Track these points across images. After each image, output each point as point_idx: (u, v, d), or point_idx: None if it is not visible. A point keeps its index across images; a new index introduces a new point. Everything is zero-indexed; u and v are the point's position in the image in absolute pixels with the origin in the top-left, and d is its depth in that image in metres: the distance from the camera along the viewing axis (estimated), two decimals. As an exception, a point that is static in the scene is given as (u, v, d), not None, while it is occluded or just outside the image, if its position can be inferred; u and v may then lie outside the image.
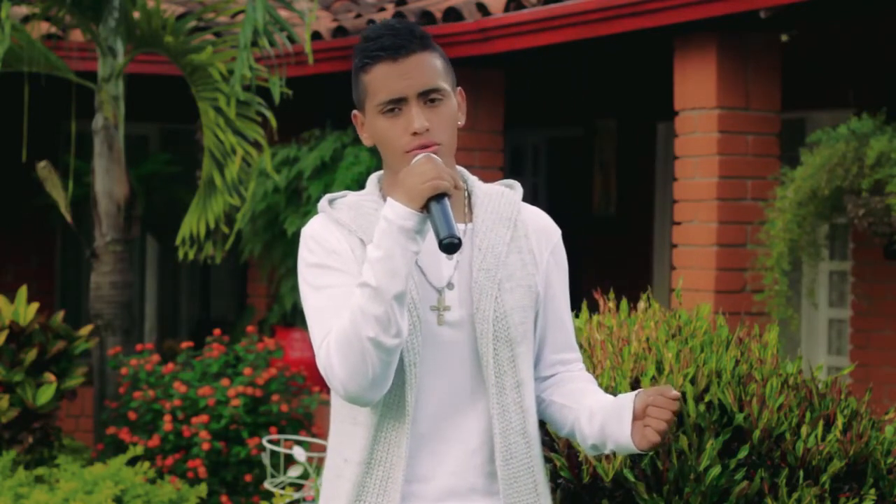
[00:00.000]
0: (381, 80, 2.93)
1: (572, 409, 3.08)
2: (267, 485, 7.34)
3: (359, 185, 9.13)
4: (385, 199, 3.00)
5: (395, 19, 3.01)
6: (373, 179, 3.09)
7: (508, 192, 3.10)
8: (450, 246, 2.80)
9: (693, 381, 4.02)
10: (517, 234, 3.05)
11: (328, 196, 3.07)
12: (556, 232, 3.12)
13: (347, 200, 3.04)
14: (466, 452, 2.96)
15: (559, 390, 3.12)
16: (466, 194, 3.07)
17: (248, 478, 8.22)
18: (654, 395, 2.94)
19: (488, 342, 2.95)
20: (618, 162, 10.30)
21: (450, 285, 2.97)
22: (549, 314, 3.09)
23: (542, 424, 3.23)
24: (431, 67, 2.96)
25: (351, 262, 2.93)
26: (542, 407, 3.14)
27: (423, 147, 2.92)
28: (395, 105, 2.93)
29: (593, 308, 4.48)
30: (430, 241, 2.90)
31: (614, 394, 4.09)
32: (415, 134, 2.92)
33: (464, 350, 2.96)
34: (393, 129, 2.94)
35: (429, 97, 2.94)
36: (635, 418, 2.96)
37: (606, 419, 3.00)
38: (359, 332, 2.81)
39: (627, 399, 2.99)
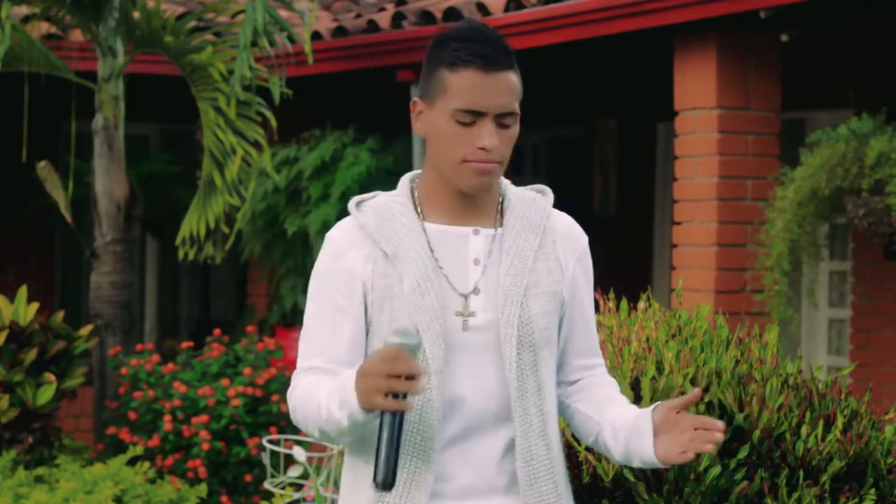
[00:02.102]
0: (468, 87, 2.92)
1: (597, 421, 3.11)
2: (267, 485, 7.34)
3: (359, 184, 9.13)
4: (415, 202, 3.03)
5: (483, 24, 2.98)
6: (405, 180, 3.11)
7: (539, 199, 3.12)
8: (382, 486, 2.80)
9: (693, 381, 4.02)
10: (545, 241, 3.07)
11: (357, 198, 3.08)
12: (582, 239, 3.14)
13: (375, 203, 3.05)
14: (489, 453, 2.99)
15: (584, 399, 3.14)
16: (499, 199, 3.08)
17: (248, 478, 8.21)
18: (679, 409, 2.96)
19: (512, 347, 2.98)
20: (618, 162, 10.29)
21: (476, 290, 3.00)
22: (574, 320, 3.11)
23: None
24: (515, 89, 2.96)
25: (352, 294, 2.97)
26: (567, 413, 3.17)
27: (485, 163, 2.93)
28: (474, 117, 2.93)
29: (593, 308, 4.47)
30: (456, 249, 2.98)
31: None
32: (482, 149, 2.92)
33: (489, 354, 2.99)
34: (461, 136, 2.93)
35: (504, 119, 2.95)
36: (655, 433, 2.98)
37: (629, 435, 3.03)
38: (308, 421, 2.94)
39: (646, 414, 3.01)
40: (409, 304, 2.95)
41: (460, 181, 2.97)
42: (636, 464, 3.04)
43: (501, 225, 3.05)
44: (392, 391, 2.73)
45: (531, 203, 3.09)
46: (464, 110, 2.92)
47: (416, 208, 3.03)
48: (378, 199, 3.06)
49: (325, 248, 3.03)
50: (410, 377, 2.73)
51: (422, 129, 3.01)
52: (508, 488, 3.01)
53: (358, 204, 3.06)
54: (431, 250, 2.99)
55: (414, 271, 2.96)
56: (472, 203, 3.02)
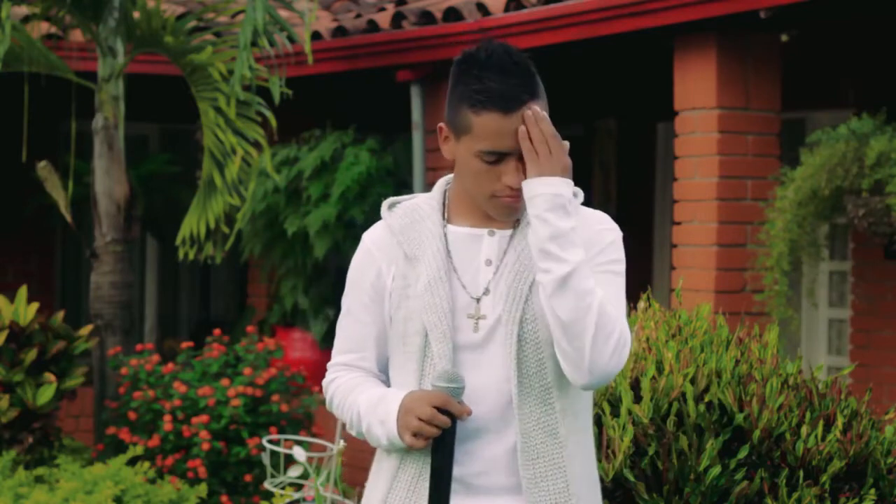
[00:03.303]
0: (489, 130, 2.94)
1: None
2: (267, 485, 7.33)
3: (359, 184, 9.12)
4: (444, 205, 3.09)
5: (503, 49, 2.96)
6: (440, 183, 3.16)
7: None
8: None
9: (693, 381, 4.02)
10: None
11: (391, 199, 3.16)
12: (601, 240, 3.06)
13: (409, 204, 3.13)
14: (496, 451, 3.02)
15: None
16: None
17: (248, 478, 8.22)
18: None
19: (513, 344, 3.00)
20: (618, 162, 10.29)
21: (486, 291, 3.04)
22: None
23: None
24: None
25: (376, 294, 3.09)
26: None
27: (512, 198, 2.97)
28: (499, 157, 2.96)
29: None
30: (471, 251, 3.03)
31: (614, 394, 4.10)
32: (508, 186, 2.96)
33: (497, 352, 3.02)
34: (487, 173, 2.97)
35: None
36: None
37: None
38: (344, 418, 3.14)
39: None
40: (420, 303, 3.02)
41: (490, 211, 3.03)
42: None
43: (518, 225, 3.07)
44: (419, 433, 2.93)
45: None
46: (487, 152, 2.95)
47: (443, 212, 3.09)
48: (415, 199, 3.14)
49: (359, 248, 3.15)
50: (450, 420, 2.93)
51: (448, 154, 3.06)
52: (516, 486, 3.02)
53: (391, 205, 3.14)
54: (449, 253, 3.05)
55: (428, 272, 3.03)
56: None
